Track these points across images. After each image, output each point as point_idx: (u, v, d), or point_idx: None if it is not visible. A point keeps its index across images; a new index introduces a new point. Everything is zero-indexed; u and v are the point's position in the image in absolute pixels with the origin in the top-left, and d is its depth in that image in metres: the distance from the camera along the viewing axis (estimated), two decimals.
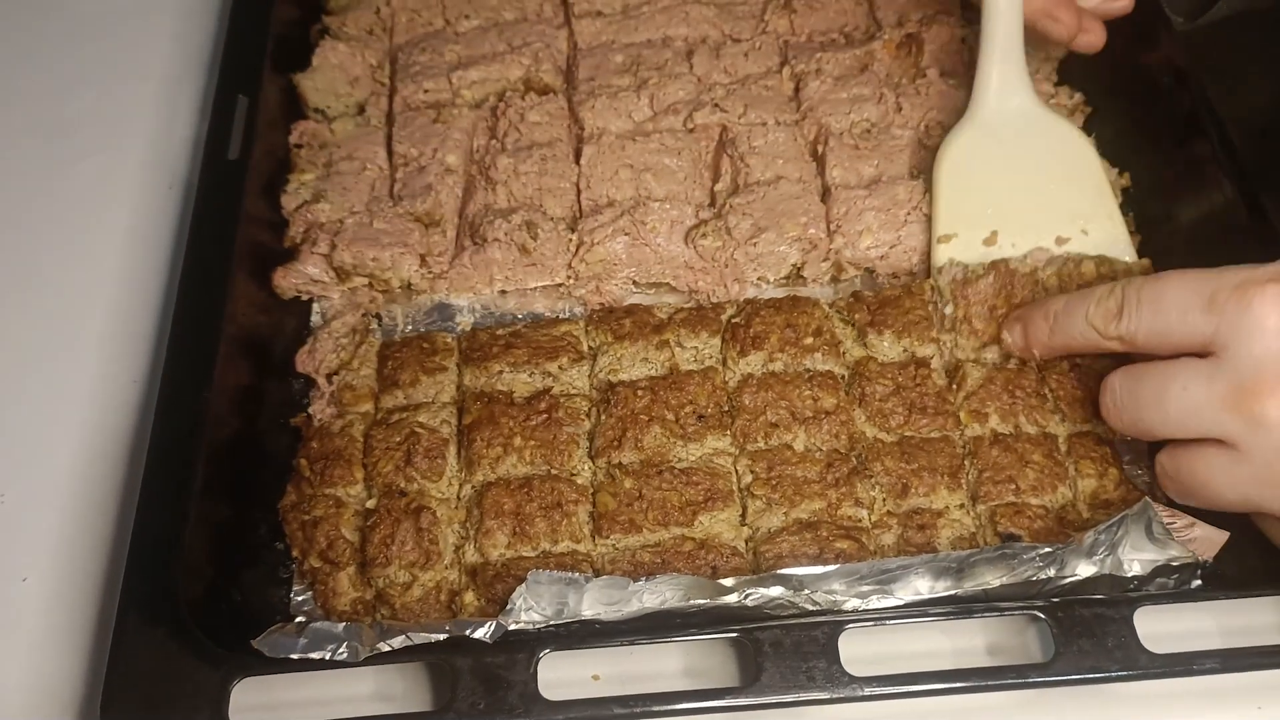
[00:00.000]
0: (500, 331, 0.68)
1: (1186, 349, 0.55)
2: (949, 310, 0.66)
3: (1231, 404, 0.53)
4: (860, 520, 0.60)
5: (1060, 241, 0.69)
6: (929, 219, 0.70)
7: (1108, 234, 0.69)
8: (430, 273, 0.71)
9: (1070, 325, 0.61)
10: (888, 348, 0.66)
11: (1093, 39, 0.70)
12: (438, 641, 0.54)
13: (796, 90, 0.77)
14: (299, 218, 0.72)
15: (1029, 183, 0.70)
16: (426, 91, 0.78)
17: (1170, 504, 0.58)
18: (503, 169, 0.74)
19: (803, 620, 0.55)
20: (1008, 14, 0.69)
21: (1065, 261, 0.67)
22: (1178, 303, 0.55)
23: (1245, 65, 0.75)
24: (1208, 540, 0.56)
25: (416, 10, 0.83)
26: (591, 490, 0.61)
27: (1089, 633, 0.54)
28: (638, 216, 0.70)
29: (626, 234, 0.70)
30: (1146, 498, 0.57)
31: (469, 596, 0.58)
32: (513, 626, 0.54)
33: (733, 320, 0.67)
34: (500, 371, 0.65)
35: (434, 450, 0.62)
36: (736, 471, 0.62)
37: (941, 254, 0.69)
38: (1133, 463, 0.63)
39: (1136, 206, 0.72)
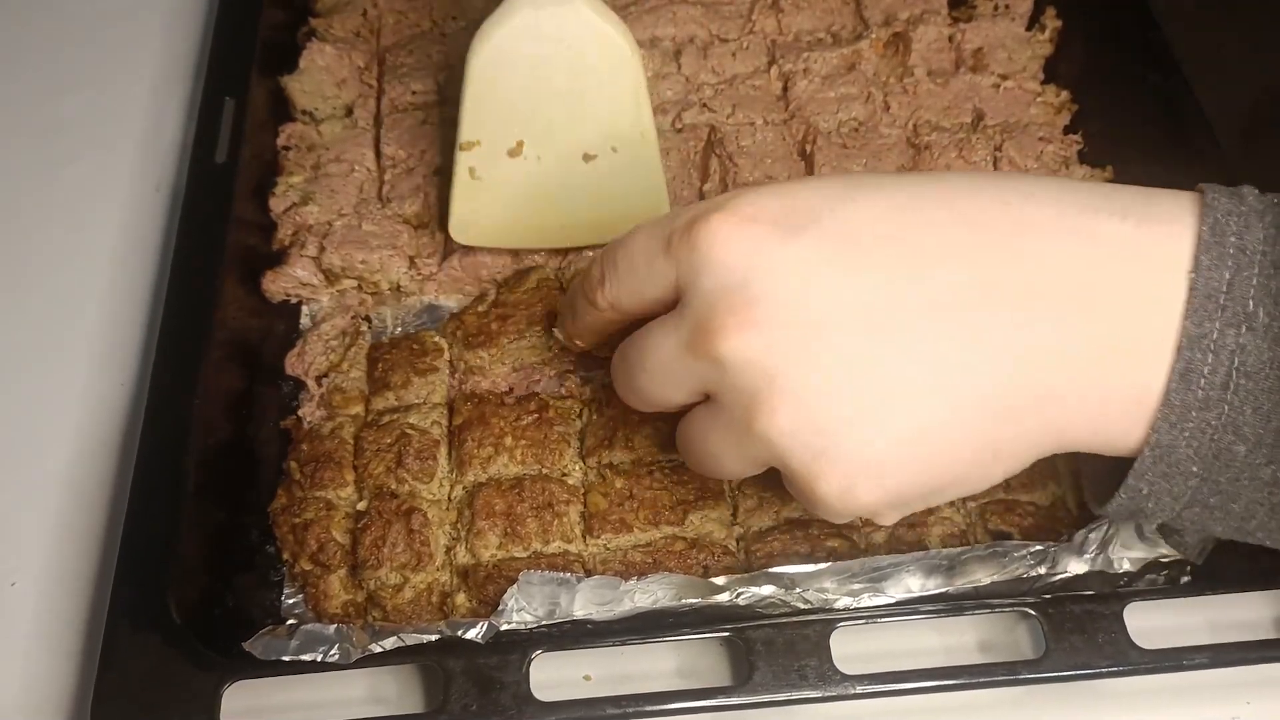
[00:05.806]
0: None
1: (667, 303, 0.50)
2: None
3: (693, 349, 0.47)
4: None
5: (587, 158, 0.65)
6: None
7: (637, 154, 0.65)
8: (419, 275, 0.71)
9: (576, 306, 0.56)
10: None
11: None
12: (430, 643, 0.54)
13: (785, 90, 0.77)
14: (287, 220, 0.72)
15: (565, 92, 0.63)
16: (414, 93, 0.77)
17: None
18: None
19: (794, 619, 0.55)
20: None
21: None
22: (644, 253, 0.50)
23: (1231, 62, 0.76)
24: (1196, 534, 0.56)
25: (404, 12, 0.82)
26: (583, 490, 0.61)
27: (1080, 629, 0.54)
28: None
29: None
30: None
31: (461, 598, 0.58)
32: (505, 627, 0.54)
33: None
34: None
35: (425, 452, 0.62)
36: None
37: (462, 162, 0.65)
38: None
39: None
